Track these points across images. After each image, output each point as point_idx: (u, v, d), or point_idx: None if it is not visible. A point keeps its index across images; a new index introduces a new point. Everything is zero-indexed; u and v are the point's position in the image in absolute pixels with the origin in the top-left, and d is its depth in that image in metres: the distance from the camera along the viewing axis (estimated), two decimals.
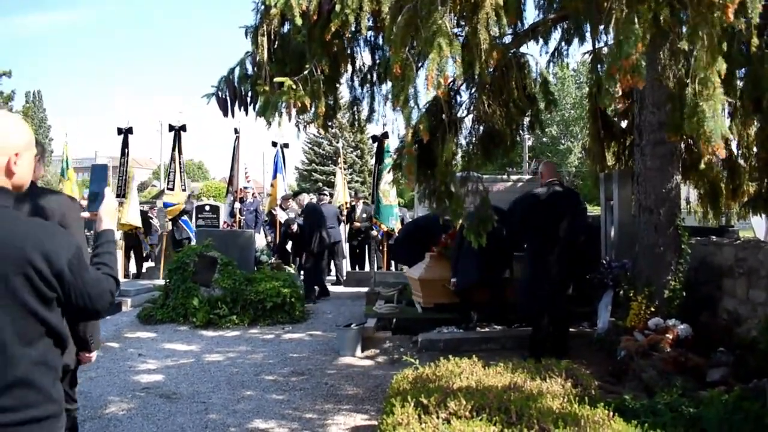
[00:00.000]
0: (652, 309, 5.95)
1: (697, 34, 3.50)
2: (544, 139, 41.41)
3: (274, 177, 15.23)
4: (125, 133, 13.92)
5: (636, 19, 3.40)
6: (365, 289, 10.70)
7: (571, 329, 6.94)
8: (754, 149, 6.97)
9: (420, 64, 4.46)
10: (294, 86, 4.99)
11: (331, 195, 15.81)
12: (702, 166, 6.46)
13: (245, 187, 14.85)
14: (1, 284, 1.87)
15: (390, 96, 5.02)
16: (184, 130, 13.42)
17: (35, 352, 1.93)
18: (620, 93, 3.74)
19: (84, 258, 2.07)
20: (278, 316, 9.32)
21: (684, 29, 3.95)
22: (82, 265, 2.03)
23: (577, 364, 4.88)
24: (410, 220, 14.92)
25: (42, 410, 1.94)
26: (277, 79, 5.04)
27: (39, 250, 1.91)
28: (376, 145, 13.22)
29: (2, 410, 1.85)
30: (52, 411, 1.98)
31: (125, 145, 13.93)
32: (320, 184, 42.11)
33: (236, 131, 14.49)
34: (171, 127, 13.48)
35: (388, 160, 11.61)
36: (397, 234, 12.95)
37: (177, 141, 13.41)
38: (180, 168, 13.26)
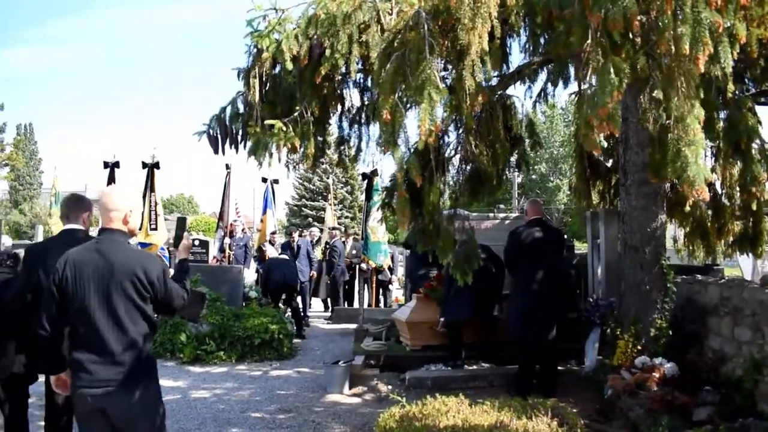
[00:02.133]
0: (639, 347, 5.98)
1: (671, 82, 3.62)
2: (534, 177, 41.77)
3: (264, 213, 15.24)
4: (112, 167, 13.85)
5: (612, 69, 3.52)
6: (354, 326, 10.67)
7: (558, 367, 6.96)
8: (737, 189, 7.07)
9: (409, 107, 4.55)
10: (284, 128, 5.08)
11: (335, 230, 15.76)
12: (687, 208, 6.55)
13: (234, 221, 14.84)
14: (119, 287, 3.22)
15: (378, 138, 5.13)
16: (158, 168, 13.22)
17: (139, 328, 3.29)
18: (602, 138, 3.84)
19: (167, 275, 3.41)
20: (266, 352, 9.28)
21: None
22: (166, 279, 3.38)
23: (564, 402, 4.90)
24: (400, 256, 14.99)
25: (146, 365, 3.38)
26: (267, 122, 5.13)
27: (141, 267, 3.28)
28: (365, 182, 13.30)
29: (124, 361, 3.23)
30: (151, 366, 3.45)
31: (111, 179, 13.86)
32: (310, 219, 42.18)
33: (227, 167, 14.54)
34: (144, 164, 13.29)
35: (377, 198, 11.68)
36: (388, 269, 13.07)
37: (150, 178, 13.18)
38: (151, 207, 12.75)
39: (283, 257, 12.51)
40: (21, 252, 4.70)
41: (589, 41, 3.62)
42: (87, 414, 3.29)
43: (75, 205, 4.41)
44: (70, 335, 3.31)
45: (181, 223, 4.00)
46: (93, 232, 4.48)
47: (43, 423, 4.71)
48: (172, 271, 3.64)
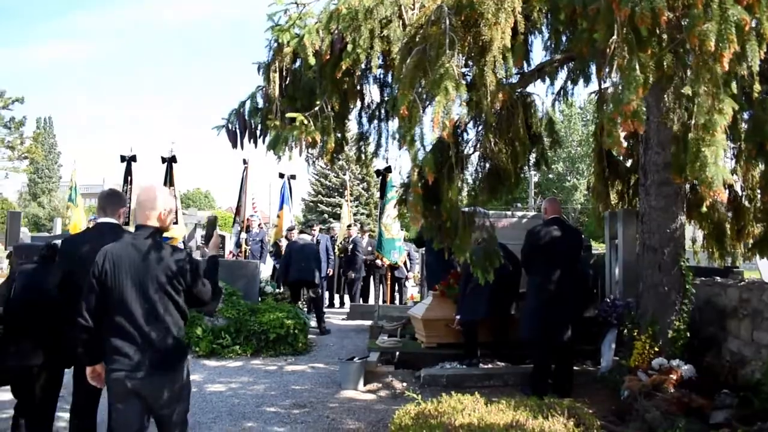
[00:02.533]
0: (656, 349, 5.94)
1: (698, 80, 3.58)
2: (551, 176, 41.59)
3: (281, 208, 15.28)
4: (129, 160, 13.98)
5: (637, 66, 3.48)
6: (369, 322, 10.67)
7: (574, 367, 6.92)
8: (758, 191, 6.99)
9: (427, 103, 4.54)
10: (305, 122, 5.08)
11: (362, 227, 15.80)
12: (704, 209, 6.48)
13: (251, 216, 14.88)
14: (155, 280, 3.53)
15: (397, 134, 5.13)
16: (175, 162, 13.33)
17: (173, 318, 3.61)
18: (623, 137, 3.79)
19: (199, 269, 3.73)
20: (281, 347, 9.30)
21: (688, 73, 4.03)
22: (197, 273, 3.68)
23: (580, 402, 4.86)
24: (416, 253, 14.92)
25: (180, 351, 3.67)
26: (289, 115, 5.14)
27: (175, 261, 3.60)
28: (380, 178, 13.29)
29: (159, 347, 3.52)
30: (184, 353, 3.73)
31: (128, 172, 13.99)
32: (326, 215, 42.24)
33: (245, 162, 14.60)
34: (163, 159, 13.38)
35: (391, 194, 11.68)
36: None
37: (168, 173, 13.27)
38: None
39: (305, 239, 12.47)
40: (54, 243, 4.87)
41: (614, 37, 3.59)
42: (123, 396, 3.52)
43: (112, 200, 4.56)
44: (108, 324, 3.54)
45: (212, 223, 4.66)
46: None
47: (67, 408, 4.75)
48: None
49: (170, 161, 13.09)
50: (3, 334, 4.57)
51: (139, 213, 3.73)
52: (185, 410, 3.74)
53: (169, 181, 12.91)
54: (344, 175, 37.65)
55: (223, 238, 15.82)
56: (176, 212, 12.63)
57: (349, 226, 15.38)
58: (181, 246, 13.28)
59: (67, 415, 4.73)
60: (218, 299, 9.42)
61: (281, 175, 15.22)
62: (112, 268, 3.53)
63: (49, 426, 4.67)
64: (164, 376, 3.56)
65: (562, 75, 6.96)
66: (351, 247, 14.65)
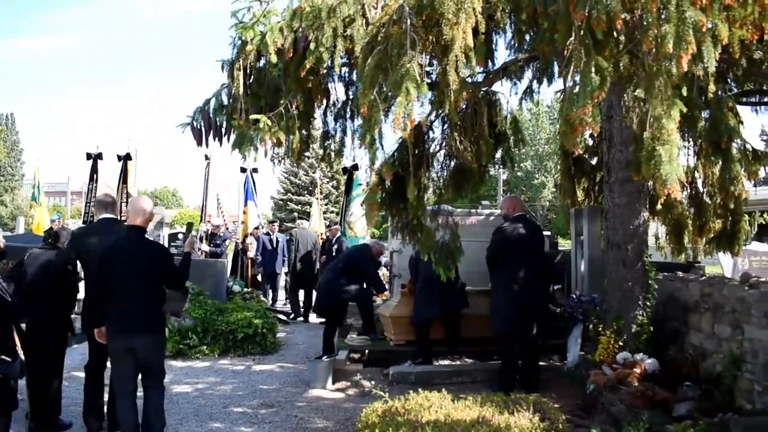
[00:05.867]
0: (621, 343, 6.02)
1: (651, 83, 3.64)
2: (519, 174, 41.91)
3: (245, 204, 15.08)
4: (95, 158, 13.74)
5: (593, 69, 3.52)
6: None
7: (541, 362, 6.99)
8: (718, 187, 7.14)
9: (391, 103, 4.54)
10: (270, 123, 5.05)
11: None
12: (659, 206, 6.56)
13: (217, 226, 14.53)
14: (145, 267, 4.72)
15: (356, 131, 5.14)
16: (130, 159, 13.12)
17: (157, 296, 4.86)
18: (587, 137, 3.85)
19: (173, 261, 5.10)
20: (249, 346, 9.23)
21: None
22: (172, 263, 5.02)
23: (547, 397, 4.91)
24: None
25: (160, 319, 4.99)
26: (253, 117, 5.11)
27: (159, 254, 4.97)
28: (346, 176, 13.24)
29: (147, 318, 4.73)
30: (163, 320, 5.12)
31: (94, 170, 13.75)
32: (296, 214, 41.97)
33: (207, 158, 14.34)
34: (119, 157, 13.13)
35: (357, 191, 11.67)
36: None
37: (123, 170, 13.02)
38: (124, 199, 12.49)
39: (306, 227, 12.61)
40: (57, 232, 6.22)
41: (572, 39, 3.63)
42: (120, 352, 4.72)
43: (104, 202, 5.75)
44: (111, 299, 4.71)
45: (189, 227, 5.95)
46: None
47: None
48: None
49: (125, 159, 12.90)
50: (20, 303, 5.53)
51: (130, 216, 4.97)
52: (162, 363, 5.01)
53: (123, 178, 12.71)
54: (314, 173, 37.48)
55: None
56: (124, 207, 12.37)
57: (330, 225, 15.11)
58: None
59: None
60: (184, 299, 9.33)
61: (243, 170, 14.99)
62: (113, 257, 4.74)
63: (59, 384, 5.74)
64: (151, 336, 4.76)
65: (528, 74, 7.01)
66: (336, 247, 14.19)
